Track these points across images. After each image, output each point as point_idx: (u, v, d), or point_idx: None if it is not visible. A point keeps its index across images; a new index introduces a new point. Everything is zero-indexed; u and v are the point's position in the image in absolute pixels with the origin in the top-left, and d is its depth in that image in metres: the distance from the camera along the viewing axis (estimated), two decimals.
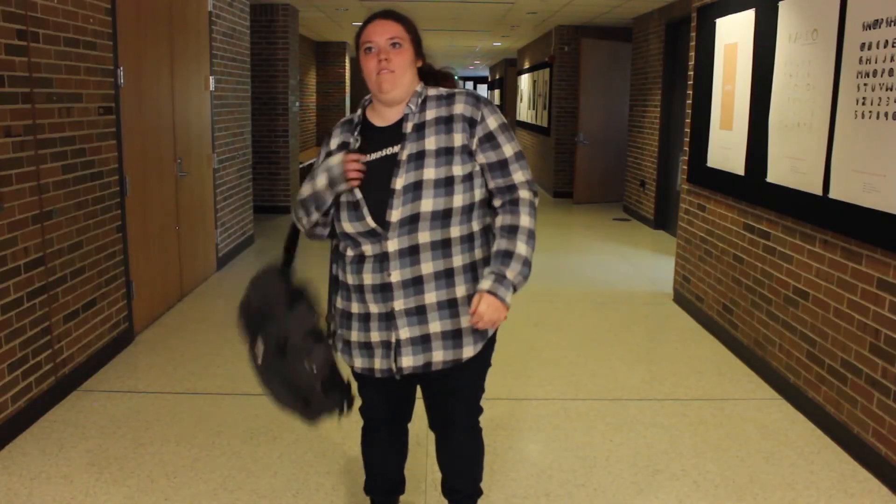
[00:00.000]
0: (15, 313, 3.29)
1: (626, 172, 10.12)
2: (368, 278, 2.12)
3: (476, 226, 2.13)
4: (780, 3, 3.97)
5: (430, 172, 2.04)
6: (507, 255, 2.06)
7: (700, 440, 3.38)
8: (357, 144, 2.15)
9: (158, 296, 5.06)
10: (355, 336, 2.19)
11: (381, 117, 2.15)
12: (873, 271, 3.16)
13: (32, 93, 3.39)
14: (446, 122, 2.08)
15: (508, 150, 2.10)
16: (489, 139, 2.09)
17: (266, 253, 7.24)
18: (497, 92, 22.37)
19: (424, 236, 2.06)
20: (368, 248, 2.10)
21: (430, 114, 2.10)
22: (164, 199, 5.14)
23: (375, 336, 2.15)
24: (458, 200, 2.06)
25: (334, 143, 2.22)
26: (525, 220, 2.09)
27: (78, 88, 3.82)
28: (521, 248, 2.07)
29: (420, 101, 2.12)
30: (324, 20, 10.87)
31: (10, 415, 3.25)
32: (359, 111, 2.21)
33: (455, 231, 2.08)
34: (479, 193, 2.12)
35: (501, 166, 2.10)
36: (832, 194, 3.40)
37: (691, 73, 5.44)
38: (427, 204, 2.04)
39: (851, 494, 2.94)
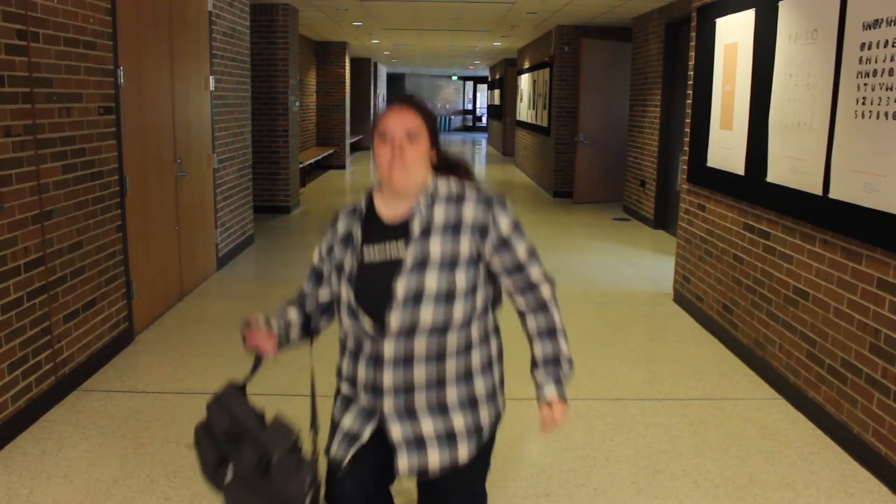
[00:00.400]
0: (15, 313, 3.29)
1: (626, 172, 10.12)
2: (363, 373, 2.12)
3: (475, 333, 2.11)
4: (780, 3, 3.97)
5: (431, 284, 2.00)
6: (556, 360, 2.13)
7: (700, 440, 3.38)
8: (359, 239, 2.10)
9: (158, 295, 5.06)
10: (344, 420, 2.17)
11: (389, 208, 2.10)
12: (873, 271, 3.16)
13: (32, 93, 3.39)
14: (454, 230, 2.03)
15: (522, 251, 2.07)
16: (503, 244, 2.06)
17: (266, 253, 7.24)
18: (497, 92, 22.37)
19: (420, 347, 2.04)
20: (366, 345, 2.09)
21: (439, 216, 2.03)
22: (164, 199, 5.14)
23: (367, 430, 2.13)
24: (458, 314, 2.04)
25: (340, 228, 2.18)
26: (558, 320, 2.15)
27: (78, 88, 3.82)
28: (565, 347, 2.14)
29: (430, 198, 2.06)
30: (324, 20, 10.87)
31: (10, 415, 3.25)
32: (363, 201, 2.15)
33: (452, 342, 2.06)
34: (480, 303, 2.09)
35: (518, 269, 2.09)
36: (832, 194, 3.40)
37: (691, 72, 5.44)
38: (426, 317, 2.01)
39: (851, 494, 2.94)
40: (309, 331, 2.33)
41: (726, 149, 4.68)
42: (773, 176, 4.02)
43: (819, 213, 3.53)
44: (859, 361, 3.25)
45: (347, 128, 15.69)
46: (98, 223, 4.07)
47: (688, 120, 5.49)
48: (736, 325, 4.54)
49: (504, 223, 2.05)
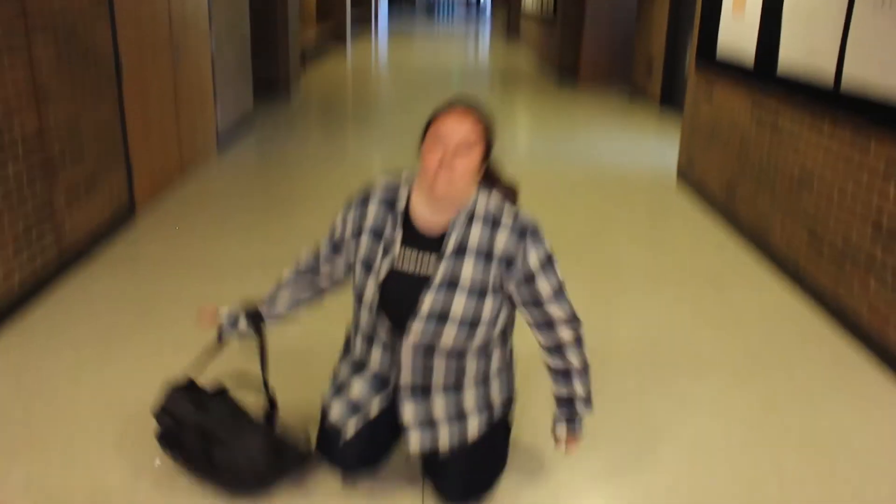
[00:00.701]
0: (16, 188, 3.28)
1: (633, 53, 9.88)
2: (376, 363, 2.11)
3: (495, 349, 2.09)
4: None
5: (458, 309, 1.94)
6: (570, 401, 2.09)
7: (698, 319, 3.43)
8: (396, 248, 2.00)
9: (159, 175, 5.03)
10: (353, 387, 2.15)
11: (425, 213, 2.00)
12: (881, 155, 3.12)
13: None
14: (486, 257, 1.95)
15: (546, 289, 1.98)
16: (528, 280, 1.97)
17: (267, 132, 7.16)
18: None
19: (440, 363, 2.02)
20: (383, 334, 2.06)
21: (474, 237, 1.96)
22: (162, 78, 5.03)
23: (375, 404, 2.12)
24: (479, 338, 2.01)
25: (371, 217, 2.05)
26: (575, 362, 2.06)
27: None
28: (580, 389, 2.08)
29: (468, 215, 1.97)
30: None
31: (17, 290, 3.29)
32: (404, 194, 2.04)
33: (471, 362, 2.05)
34: (500, 325, 2.06)
35: (537, 304, 2.00)
36: (844, 80, 3.32)
37: None
38: (448, 338, 1.97)
39: (843, 371, 3.01)
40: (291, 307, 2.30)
41: (737, 31, 4.55)
42: (784, 59, 3.91)
43: (830, 96, 3.46)
44: (860, 245, 3.26)
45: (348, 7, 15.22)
46: (95, 103, 4.00)
47: (699, 1, 5.31)
48: (738, 207, 4.54)
49: (533, 258, 1.95)
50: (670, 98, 8.48)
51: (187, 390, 2.27)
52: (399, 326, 1.98)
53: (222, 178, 5.63)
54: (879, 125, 3.11)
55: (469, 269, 1.94)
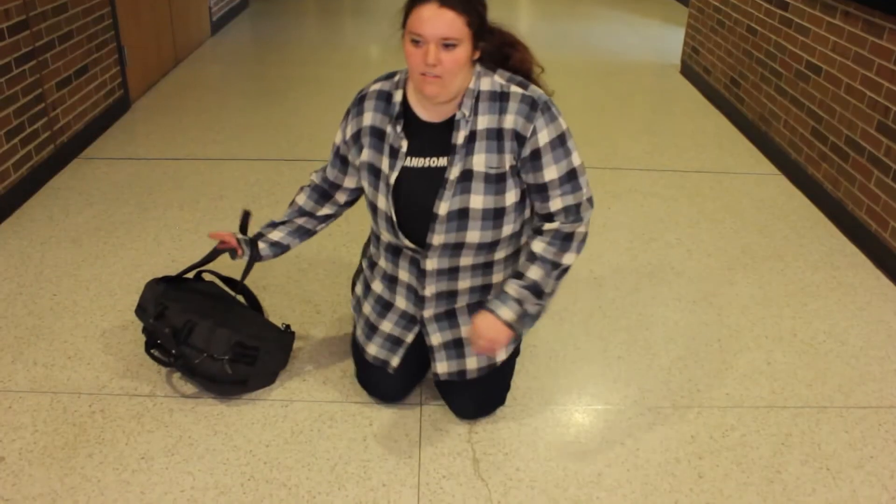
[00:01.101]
0: (5, 80, 3.21)
1: None
2: (404, 275, 2.00)
3: (524, 238, 1.96)
4: None
5: (477, 201, 1.80)
6: (519, 275, 1.87)
7: (696, 211, 3.43)
8: (403, 146, 1.84)
9: (152, 62, 4.92)
10: (384, 324, 2.10)
11: (425, 107, 1.85)
12: (894, 46, 3.04)
13: None
14: (497, 138, 1.79)
15: (552, 172, 1.80)
16: (533, 158, 1.80)
17: (261, 16, 6.96)
18: None
19: (467, 261, 1.89)
20: (407, 251, 1.95)
21: (483, 121, 1.79)
22: None
23: (397, 330, 2.08)
24: (508, 230, 1.87)
25: (366, 121, 1.91)
26: (537, 247, 1.85)
27: None
28: (532, 271, 1.85)
29: (473, 101, 1.80)
30: None
31: (13, 182, 3.27)
32: (399, 88, 1.87)
33: (500, 254, 1.93)
34: (528, 212, 1.92)
35: (539, 190, 1.83)
36: None
37: None
38: (473, 236, 1.84)
39: (837, 267, 3.03)
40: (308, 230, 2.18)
41: None
42: None
43: None
44: (864, 139, 3.22)
45: None
46: None
47: None
48: (742, 99, 4.46)
49: (543, 133, 1.78)
50: None
51: (163, 284, 2.30)
52: (421, 233, 1.88)
53: (218, 63, 5.50)
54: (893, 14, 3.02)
55: (482, 156, 1.80)
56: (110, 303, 2.63)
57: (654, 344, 2.51)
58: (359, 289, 2.24)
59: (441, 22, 1.67)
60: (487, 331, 1.86)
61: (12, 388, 2.22)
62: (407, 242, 1.91)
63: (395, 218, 1.89)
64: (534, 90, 1.82)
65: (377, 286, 2.12)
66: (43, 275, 2.80)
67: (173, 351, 2.16)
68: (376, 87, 1.93)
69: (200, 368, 2.14)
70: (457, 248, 1.89)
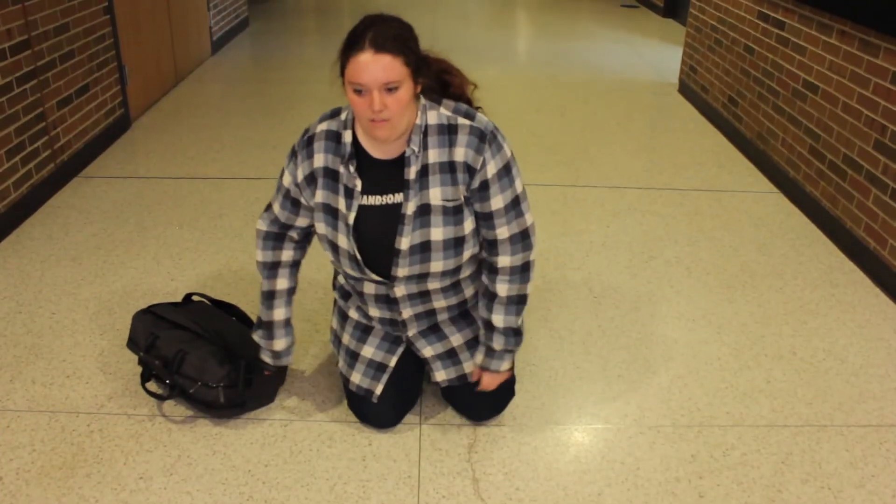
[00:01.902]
0: (6, 99, 3.22)
1: None
2: (375, 310, 2.04)
3: (480, 275, 2.02)
4: None
5: (437, 233, 1.84)
6: (489, 328, 1.95)
7: (695, 229, 3.44)
8: (358, 185, 1.85)
9: (153, 81, 4.94)
10: (365, 350, 2.11)
11: (377, 147, 1.86)
12: (890, 65, 3.06)
13: None
14: (450, 170, 1.81)
15: (498, 201, 1.84)
16: (482, 189, 1.83)
17: (261, 36, 7.00)
18: None
19: (434, 284, 1.94)
20: (371, 288, 1.97)
21: (433, 154, 1.81)
22: None
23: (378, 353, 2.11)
24: (468, 254, 1.92)
25: (318, 162, 1.89)
26: (503, 291, 1.90)
27: None
28: (499, 320, 1.92)
29: (421, 136, 1.81)
30: None
31: (13, 201, 3.28)
32: (347, 129, 1.87)
33: (465, 273, 1.97)
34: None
35: (486, 218, 1.87)
36: None
37: None
38: (437, 266, 1.89)
39: (836, 284, 3.04)
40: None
41: None
42: None
43: (840, 1, 3.36)
44: (861, 157, 3.23)
45: None
46: (83, 4, 3.89)
47: None
48: (740, 117, 4.48)
49: (491, 164, 1.81)
50: (674, 3, 8.25)
51: (150, 314, 2.31)
52: (385, 267, 1.91)
53: (218, 82, 5.53)
54: (891, 34, 3.04)
55: (438, 189, 1.83)
56: (109, 322, 2.63)
57: (653, 362, 2.51)
58: (334, 322, 2.22)
59: (379, 68, 1.66)
60: (493, 384, 2.06)
61: (10, 407, 2.22)
62: (373, 276, 1.94)
63: (358, 256, 1.91)
64: (480, 120, 1.84)
65: (353, 314, 2.13)
66: (42, 293, 2.80)
67: (167, 381, 2.16)
68: (323, 126, 1.92)
69: (196, 396, 2.14)
70: (422, 277, 1.93)
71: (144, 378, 2.22)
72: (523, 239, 1.89)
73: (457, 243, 1.89)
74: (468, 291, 2.05)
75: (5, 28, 3.20)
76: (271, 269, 2.07)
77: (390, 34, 1.68)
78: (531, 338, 2.61)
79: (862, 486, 2.01)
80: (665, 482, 2.01)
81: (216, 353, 2.15)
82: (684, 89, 5.50)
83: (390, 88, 1.69)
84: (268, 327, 2.09)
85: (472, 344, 2.10)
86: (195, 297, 2.46)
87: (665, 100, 5.43)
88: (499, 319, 1.93)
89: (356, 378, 2.12)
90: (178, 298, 2.68)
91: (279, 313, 2.09)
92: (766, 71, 4.17)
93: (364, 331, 2.12)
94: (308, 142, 1.93)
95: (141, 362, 2.25)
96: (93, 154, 4.02)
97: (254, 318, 2.43)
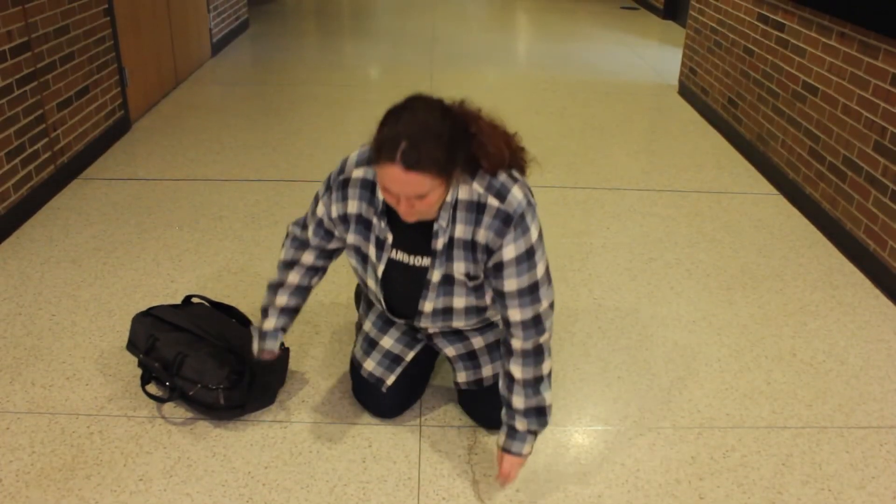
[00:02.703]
0: (6, 101, 3.22)
1: None
2: (395, 330, 2.13)
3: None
4: None
5: (460, 301, 1.90)
6: (509, 406, 1.86)
7: (695, 231, 3.44)
8: (389, 239, 1.86)
9: (153, 83, 4.94)
10: (384, 340, 2.15)
11: None
12: (890, 67, 3.06)
13: None
14: (472, 249, 1.79)
15: (513, 284, 1.78)
16: (496, 269, 1.79)
17: (262, 38, 7.00)
18: None
19: (459, 324, 2.01)
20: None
21: (460, 229, 1.78)
22: None
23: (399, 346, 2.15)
24: (490, 311, 1.99)
25: (351, 208, 1.88)
26: (518, 373, 1.83)
27: None
28: (518, 402, 1.84)
29: (451, 212, 1.77)
30: None
31: (13, 203, 3.28)
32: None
33: (493, 312, 2.02)
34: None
35: (500, 297, 1.83)
36: None
37: None
38: (459, 322, 1.98)
39: (836, 286, 3.03)
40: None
41: None
42: None
43: (840, 3, 3.36)
44: (861, 159, 3.23)
45: None
46: (83, 6, 3.89)
47: None
48: (740, 119, 4.48)
49: (510, 249, 1.75)
50: (674, 5, 8.25)
51: (150, 317, 2.32)
52: (409, 312, 1.98)
53: (218, 84, 5.53)
54: (890, 36, 3.04)
55: (461, 264, 1.82)
56: (109, 323, 2.63)
57: (653, 364, 2.51)
58: (361, 308, 2.27)
59: (408, 185, 1.60)
60: (514, 472, 1.89)
61: (10, 408, 2.21)
62: (396, 319, 2.05)
63: (383, 303, 1.99)
64: (510, 200, 1.74)
65: (377, 308, 2.17)
66: (42, 295, 2.80)
67: (167, 383, 2.16)
68: (359, 173, 1.86)
69: (196, 398, 2.14)
70: (446, 323, 2.00)
71: (144, 380, 2.22)
72: (536, 325, 1.82)
73: (479, 310, 1.95)
74: (492, 315, 2.06)
75: (6, 30, 3.20)
76: (288, 265, 2.08)
77: (424, 150, 1.57)
78: None
79: (862, 487, 2.01)
80: (665, 484, 2.00)
81: (216, 354, 2.15)
82: (684, 91, 5.50)
83: (420, 196, 1.64)
84: (264, 313, 2.11)
85: (493, 347, 2.11)
86: (195, 300, 2.46)
87: (665, 101, 5.43)
88: (519, 401, 1.85)
89: (370, 365, 2.14)
90: (178, 300, 2.68)
91: (280, 300, 2.09)
92: (765, 73, 4.17)
93: (386, 322, 2.14)
94: (343, 184, 1.88)
95: (141, 365, 2.25)
96: (93, 156, 4.02)
97: (254, 320, 2.43)
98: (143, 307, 2.65)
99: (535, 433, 1.87)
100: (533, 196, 1.81)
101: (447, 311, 1.93)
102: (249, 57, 6.41)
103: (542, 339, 1.83)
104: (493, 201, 1.74)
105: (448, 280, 1.86)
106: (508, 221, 1.73)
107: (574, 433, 2.19)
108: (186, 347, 2.17)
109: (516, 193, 1.75)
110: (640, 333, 2.67)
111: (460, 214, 1.77)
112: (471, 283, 1.87)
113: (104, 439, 2.10)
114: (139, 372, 2.34)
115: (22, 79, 3.33)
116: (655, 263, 3.16)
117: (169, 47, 5.23)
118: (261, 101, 5.14)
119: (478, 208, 1.75)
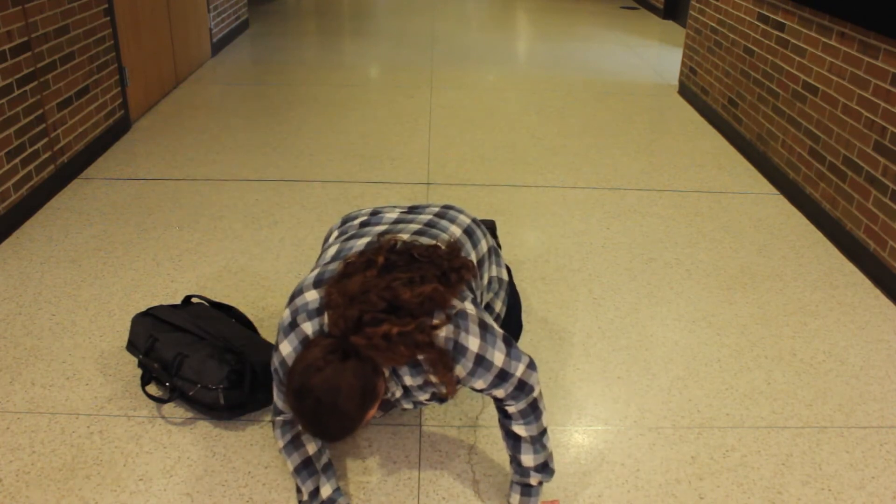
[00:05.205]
0: (7, 101, 3.22)
1: None
2: None
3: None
4: None
5: (428, 399, 1.85)
6: (520, 466, 1.86)
7: (695, 231, 3.44)
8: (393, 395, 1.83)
9: (153, 82, 4.94)
10: None
11: None
12: (890, 67, 3.06)
13: None
14: (427, 382, 1.78)
15: (481, 384, 1.74)
16: (461, 380, 1.74)
17: (262, 38, 7.00)
18: None
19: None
20: None
21: (408, 380, 1.77)
22: None
23: None
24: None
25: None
26: (522, 431, 1.82)
27: None
28: (528, 460, 1.84)
29: (392, 376, 1.78)
30: None
31: (13, 202, 3.28)
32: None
33: None
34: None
35: (478, 390, 1.80)
36: None
37: None
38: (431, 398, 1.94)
39: (836, 286, 3.03)
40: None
41: None
42: None
43: (840, 2, 3.36)
44: (861, 159, 3.23)
45: None
46: (83, 6, 3.89)
47: None
48: (740, 119, 4.48)
49: (459, 370, 1.71)
50: (674, 5, 8.25)
51: (150, 317, 2.32)
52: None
53: (218, 84, 5.53)
54: (890, 36, 3.04)
55: (422, 394, 1.81)
56: (109, 323, 2.63)
57: (653, 364, 2.51)
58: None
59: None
60: None
61: (10, 408, 2.21)
62: None
63: None
64: (440, 340, 1.68)
65: None
66: (42, 295, 2.80)
67: (167, 384, 2.17)
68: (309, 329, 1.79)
69: (196, 398, 2.14)
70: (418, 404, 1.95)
71: (144, 381, 2.23)
72: (522, 389, 1.78)
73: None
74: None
75: (6, 30, 3.20)
76: (295, 443, 1.86)
77: (339, 431, 1.59)
78: (531, 338, 2.60)
79: (862, 487, 2.01)
80: (665, 484, 2.00)
81: (216, 354, 2.15)
82: (684, 91, 5.50)
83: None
84: (309, 490, 1.87)
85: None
86: (194, 300, 2.46)
87: (665, 101, 5.43)
88: (529, 459, 1.85)
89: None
90: (178, 300, 2.68)
91: (318, 464, 1.88)
92: (765, 73, 4.17)
93: None
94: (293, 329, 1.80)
95: (140, 365, 2.25)
96: (93, 156, 4.02)
97: (253, 320, 2.43)
98: (143, 307, 2.65)
99: (543, 484, 1.89)
100: (472, 294, 1.78)
101: (418, 404, 1.89)
102: (249, 57, 6.41)
103: (535, 395, 1.81)
104: (424, 354, 1.68)
105: (417, 403, 1.86)
106: (446, 357, 1.68)
107: (574, 433, 2.19)
108: (186, 348, 2.17)
109: (440, 333, 1.68)
110: (640, 333, 2.67)
111: (402, 370, 1.74)
112: (439, 390, 1.81)
113: (104, 439, 2.10)
114: (139, 372, 2.34)
115: (22, 78, 3.33)
116: (655, 263, 3.16)
117: (169, 47, 5.23)
118: (261, 101, 5.14)
119: (414, 363, 1.72)
